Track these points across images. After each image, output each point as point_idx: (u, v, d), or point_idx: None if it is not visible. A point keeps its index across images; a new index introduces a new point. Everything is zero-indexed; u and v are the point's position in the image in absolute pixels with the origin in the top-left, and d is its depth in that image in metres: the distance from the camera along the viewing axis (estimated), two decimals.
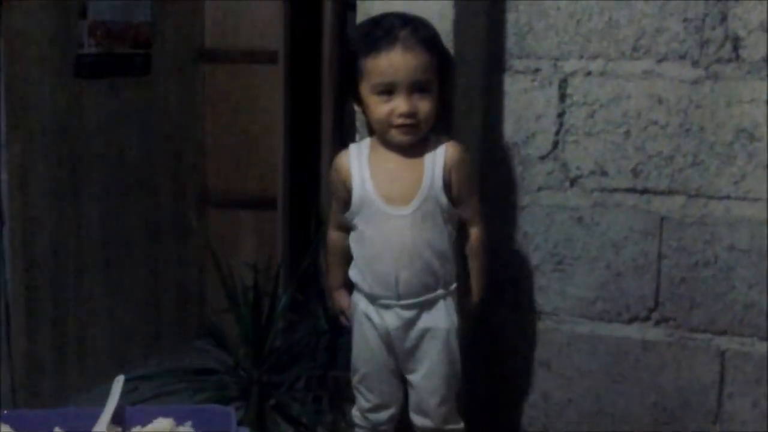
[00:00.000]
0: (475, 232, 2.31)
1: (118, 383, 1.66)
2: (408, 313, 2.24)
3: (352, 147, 2.30)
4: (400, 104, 2.15)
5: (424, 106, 2.16)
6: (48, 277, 3.15)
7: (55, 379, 3.20)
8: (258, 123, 3.65)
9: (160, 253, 3.62)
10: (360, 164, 2.25)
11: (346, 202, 2.27)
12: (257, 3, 3.61)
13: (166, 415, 1.63)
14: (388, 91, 2.16)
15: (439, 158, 2.21)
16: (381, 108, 2.18)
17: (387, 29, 2.17)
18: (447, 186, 2.22)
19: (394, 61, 2.14)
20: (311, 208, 2.97)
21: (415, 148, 2.22)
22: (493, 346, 2.66)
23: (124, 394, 1.65)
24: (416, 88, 2.15)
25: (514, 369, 2.67)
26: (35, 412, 1.78)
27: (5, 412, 1.65)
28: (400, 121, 2.16)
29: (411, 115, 2.16)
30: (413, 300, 2.23)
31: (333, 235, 2.37)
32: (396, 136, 2.20)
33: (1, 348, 3.03)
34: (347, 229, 2.30)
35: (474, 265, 2.33)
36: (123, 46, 3.38)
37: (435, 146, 2.23)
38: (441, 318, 2.26)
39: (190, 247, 3.74)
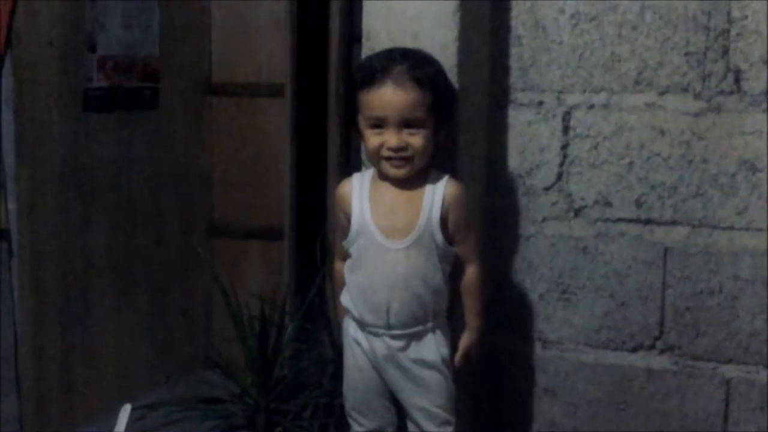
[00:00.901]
0: (471, 271, 2.33)
1: (125, 411, 1.68)
2: (397, 343, 2.26)
3: (355, 177, 2.33)
4: (389, 138, 2.20)
5: (415, 141, 2.19)
6: (56, 306, 3.16)
7: (63, 407, 3.21)
8: (265, 154, 3.67)
9: (167, 282, 3.64)
10: (361, 194, 2.28)
11: (346, 231, 2.30)
12: (264, 37, 3.64)
13: None
14: (378, 125, 2.21)
15: (438, 195, 2.24)
16: (373, 140, 2.22)
17: (382, 65, 2.21)
18: (444, 222, 2.24)
19: (384, 97, 2.18)
20: (317, 237, 2.99)
21: (414, 182, 2.25)
22: (499, 375, 2.67)
23: (132, 422, 1.67)
24: (406, 123, 2.19)
25: (519, 397, 2.69)
26: None
27: None
28: (389, 153, 2.20)
29: (400, 149, 2.19)
30: (402, 331, 2.26)
31: (338, 266, 2.39)
32: (388, 169, 2.24)
33: (9, 376, 3.04)
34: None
35: (469, 303, 2.34)
36: (131, 80, 3.41)
37: (435, 182, 2.26)
38: (430, 350, 2.28)
39: (198, 276, 3.75)
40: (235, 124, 3.73)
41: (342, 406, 2.45)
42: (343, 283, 2.36)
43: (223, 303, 2.89)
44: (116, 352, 3.42)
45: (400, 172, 2.23)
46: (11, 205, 3.02)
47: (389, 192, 2.26)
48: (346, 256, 2.34)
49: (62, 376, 3.20)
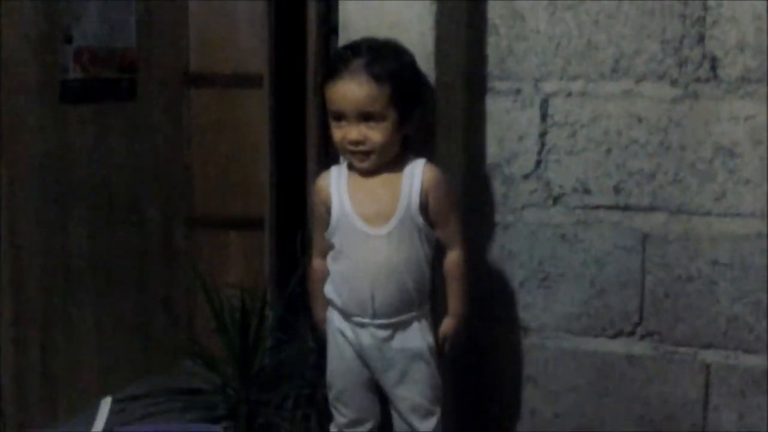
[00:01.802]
0: (454, 254, 2.33)
1: (106, 404, 1.68)
2: (382, 333, 2.26)
3: (333, 169, 2.33)
4: (349, 131, 2.21)
5: (374, 135, 2.20)
6: (37, 301, 3.15)
7: (44, 401, 3.20)
8: (244, 145, 3.67)
9: (147, 274, 3.64)
10: (339, 185, 2.28)
11: (327, 223, 2.30)
12: (241, 27, 3.63)
13: None
14: (338, 117, 2.22)
15: (417, 180, 2.24)
16: (336, 133, 2.24)
17: (343, 58, 2.22)
18: (424, 207, 2.24)
19: (340, 91, 2.20)
20: (298, 228, 2.99)
21: (391, 168, 2.26)
22: (479, 363, 2.68)
23: (112, 414, 1.67)
24: (365, 117, 2.19)
25: (500, 385, 2.70)
26: None
27: None
28: (350, 147, 2.22)
29: (359, 142, 2.20)
30: (387, 320, 2.25)
31: (316, 263, 2.39)
32: (353, 161, 2.25)
33: None
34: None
35: (452, 287, 2.34)
36: (108, 71, 3.40)
37: (412, 167, 2.26)
38: (415, 338, 2.28)
39: (178, 268, 3.75)
40: (214, 115, 3.73)
41: (324, 397, 2.46)
42: (321, 280, 2.36)
43: (204, 294, 2.89)
44: (97, 345, 3.41)
45: (363, 165, 2.24)
46: None
47: (367, 181, 2.27)
48: (325, 250, 2.33)
49: (43, 371, 3.20)
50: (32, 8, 3.06)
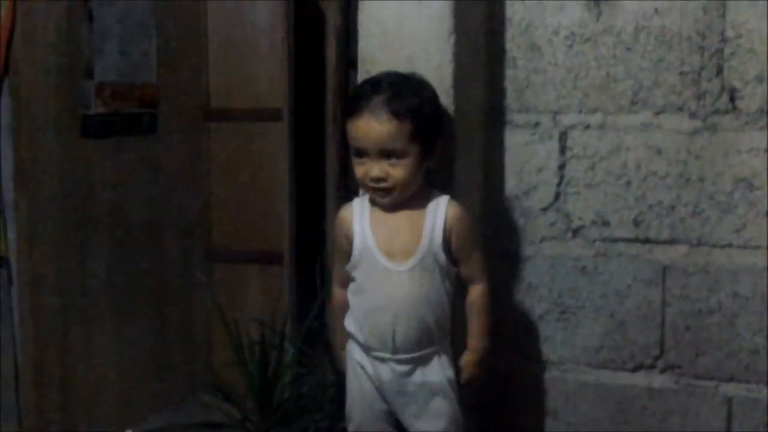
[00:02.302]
0: (477, 290, 2.32)
1: None
2: (402, 368, 2.26)
3: (356, 201, 2.33)
4: (371, 168, 2.20)
5: (396, 172, 2.19)
6: (56, 333, 3.16)
7: None
8: (263, 179, 3.68)
9: (167, 308, 3.64)
10: (362, 218, 2.28)
11: (348, 255, 2.29)
12: (261, 62, 3.66)
13: None
14: (360, 154, 2.21)
15: (440, 217, 2.24)
16: (358, 169, 2.23)
17: (363, 95, 2.21)
18: (447, 243, 2.24)
19: (362, 128, 2.19)
20: (316, 262, 2.99)
21: (415, 203, 2.25)
22: (500, 396, 2.67)
23: None
24: (386, 154, 2.18)
25: (520, 418, 2.68)
26: None
27: None
28: (372, 184, 2.21)
29: (381, 179, 2.20)
30: (408, 355, 2.25)
31: (337, 293, 2.39)
32: (375, 197, 2.25)
33: (10, 402, 3.04)
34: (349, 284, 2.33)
35: (474, 322, 2.34)
36: (129, 106, 3.43)
37: (436, 203, 2.26)
38: (436, 372, 2.27)
39: (197, 301, 3.75)
40: (233, 149, 3.75)
41: (343, 430, 2.44)
42: (341, 310, 2.36)
43: (223, 328, 2.89)
44: (116, 377, 3.41)
45: (385, 201, 2.24)
46: (10, 234, 3.02)
47: (390, 215, 2.26)
48: (345, 281, 2.33)
49: (62, 402, 3.20)
50: (54, 43, 3.09)
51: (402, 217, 2.25)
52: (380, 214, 2.27)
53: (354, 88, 2.31)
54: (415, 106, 2.20)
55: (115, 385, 3.40)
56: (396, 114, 2.17)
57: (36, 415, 3.10)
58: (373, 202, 2.28)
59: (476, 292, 2.32)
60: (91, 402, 3.30)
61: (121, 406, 3.42)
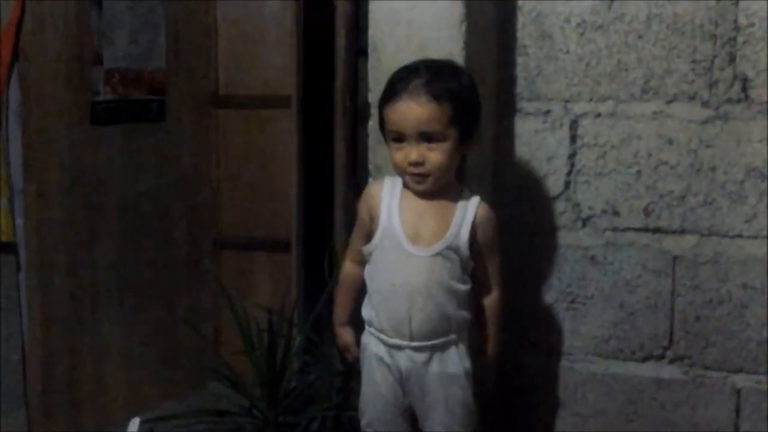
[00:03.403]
0: (492, 296, 2.33)
1: (134, 425, 1.68)
2: (420, 356, 2.24)
3: (386, 180, 2.31)
4: (410, 152, 2.18)
5: (434, 156, 2.18)
6: (64, 320, 3.17)
7: (71, 421, 3.21)
8: (271, 166, 3.68)
9: (175, 295, 3.64)
10: (391, 198, 2.26)
11: (369, 233, 2.29)
12: (269, 49, 3.65)
13: None
14: (399, 138, 2.20)
15: (470, 214, 2.23)
16: (396, 154, 2.21)
17: (402, 79, 2.20)
18: (471, 241, 2.24)
19: (400, 111, 2.17)
20: (325, 249, 2.98)
21: (446, 195, 2.24)
22: (508, 386, 2.66)
23: None
24: (425, 138, 2.17)
25: (529, 408, 2.68)
26: None
27: None
28: (410, 169, 2.20)
29: (419, 163, 2.18)
30: (425, 342, 2.23)
31: (348, 266, 2.39)
32: (411, 183, 2.23)
33: (17, 390, 3.04)
34: (363, 263, 2.32)
35: (489, 327, 2.34)
36: (138, 93, 3.42)
37: (467, 200, 2.25)
38: (453, 363, 2.26)
39: (205, 289, 3.75)
40: (242, 136, 3.74)
41: (350, 420, 2.44)
42: (349, 285, 2.36)
43: (231, 315, 2.89)
44: (124, 365, 3.42)
45: (420, 187, 2.22)
46: (19, 219, 3.03)
47: (420, 202, 2.25)
48: (358, 257, 2.33)
49: (70, 390, 3.20)
50: (63, 30, 3.09)
51: (432, 205, 2.24)
52: (411, 198, 2.25)
53: (393, 73, 2.27)
54: (455, 89, 2.19)
55: (122, 372, 3.41)
56: (436, 96, 2.15)
57: (43, 401, 3.11)
58: (405, 186, 2.27)
59: (491, 299, 2.33)
60: (98, 389, 3.31)
61: (129, 394, 3.43)
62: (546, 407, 2.66)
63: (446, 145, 2.18)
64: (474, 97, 2.25)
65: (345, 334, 2.42)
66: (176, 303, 3.65)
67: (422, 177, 2.20)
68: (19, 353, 3.05)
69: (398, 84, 2.19)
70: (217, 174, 3.79)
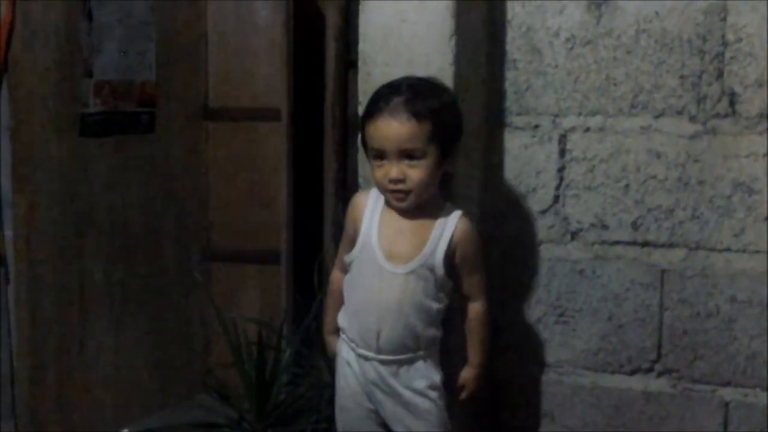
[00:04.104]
0: (475, 308, 2.33)
1: None
2: (386, 369, 2.26)
3: (372, 191, 2.32)
4: (390, 169, 2.20)
5: (415, 174, 2.19)
6: (53, 332, 3.16)
7: None
8: (261, 179, 3.68)
9: (164, 308, 3.64)
10: (373, 211, 2.29)
11: (352, 242, 2.30)
12: (260, 62, 3.66)
13: None
14: (380, 156, 2.21)
15: (449, 229, 2.25)
16: (377, 172, 2.23)
17: (383, 96, 2.22)
18: (449, 258, 2.25)
19: (381, 129, 2.19)
20: (314, 262, 2.99)
21: (426, 211, 2.26)
22: (497, 398, 2.67)
23: None
24: (405, 155, 2.18)
25: (517, 421, 2.68)
26: None
27: None
28: (391, 186, 2.21)
29: (399, 181, 2.19)
30: (392, 357, 2.25)
31: (336, 276, 2.40)
32: (392, 200, 2.25)
33: (6, 402, 3.03)
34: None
35: (473, 339, 2.35)
36: (128, 105, 3.42)
37: (447, 216, 2.26)
38: (420, 376, 2.27)
39: (194, 301, 3.75)
40: (232, 149, 3.74)
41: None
42: (338, 293, 2.37)
43: (221, 328, 2.89)
44: (113, 377, 3.41)
45: (402, 205, 2.24)
46: (8, 231, 3.02)
47: (399, 219, 2.26)
48: (345, 267, 2.34)
49: (59, 402, 3.19)
50: (53, 41, 3.08)
51: (411, 222, 2.25)
52: (391, 214, 2.27)
53: (376, 90, 2.29)
54: (435, 107, 2.21)
55: (112, 385, 3.40)
56: (416, 114, 2.17)
57: (32, 414, 3.10)
58: (388, 202, 2.27)
59: (475, 311, 2.33)
60: (87, 402, 3.30)
61: (118, 406, 3.42)
62: (534, 419, 2.67)
63: (427, 163, 2.19)
64: (455, 115, 2.28)
65: (334, 344, 2.42)
66: (165, 315, 3.64)
67: (403, 194, 2.21)
68: (8, 366, 3.04)
69: (379, 102, 2.20)
70: (206, 186, 3.78)
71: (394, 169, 2.19)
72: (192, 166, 3.74)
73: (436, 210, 2.26)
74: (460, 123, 2.30)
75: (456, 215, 2.26)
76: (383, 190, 2.24)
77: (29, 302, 3.07)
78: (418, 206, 2.24)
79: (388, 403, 2.28)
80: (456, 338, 2.35)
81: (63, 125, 3.15)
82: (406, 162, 2.19)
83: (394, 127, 2.17)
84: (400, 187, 2.20)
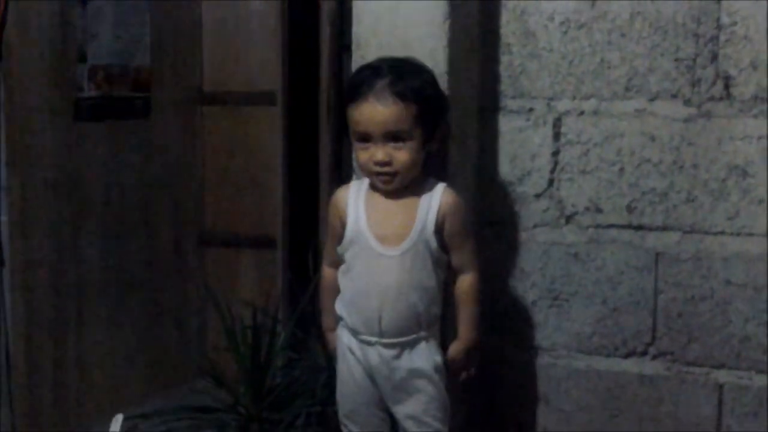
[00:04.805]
0: (467, 279, 2.32)
1: (117, 422, 1.67)
2: (389, 352, 2.26)
3: (353, 183, 2.33)
4: (375, 152, 2.20)
5: (401, 155, 2.19)
6: (48, 316, 3.16)
7: (55, 418, 3.20)
8: (257, 163, 3.68)
9: (159, 292, 3.64)
10: (357, 200, 2.28)
11: (340, 237, 2.30)
12: (255, 46, 3.65)
13: None
14: (364, 139, 2.21)
15: (434, 203, 2.24)
16: (361, 155, 2.23)
17: (366, 79, 2.21)
18: (439, 231, 2.24)
19: (365, 112, 2.19)
20: (310, 246, 2.99)
21: (410, 190, 2.25)
22: (491, 382, 2.67)
23: None
24: (391, 137, 2.18)
25: (512, 404, 2.69)
26: None
27: None
28: (377, 169, 2.21)
29: (385, 163, 2.19)
30: (395, 339, 2.25)
31: (327, 272, 2.40)
32: (378, 183, 2.25)
33: (1, 387, 3.03)
34: (340, 265, 2.33)
35: (464, 312, 2.33)
36: (122, 90, 3.41)
37: (431, 190, 2.26)
38: (423, 358, 2.27)
39: (190, 286, 3.75)
40: (227, 133, 3.74)
41: (335, 415, 2.45)
42: (331, 289, 2.36)
43: (216, 312, 2.89)
44: (109, 361, 3.41)
45: (388, 187, 2.24)
46: (2, 216, 3.02)
47: (385, 200, 2.26)
48: (336, 261, 2.34)
49: (55, 387, 3.20)
50: (47, 26, 3.08)
51: (397, 203, 2.25)
52: (376, 198, 2.27)
53: (354, 73, 2.29)
54: (419, 88, 2.20)
55: (107, 369, 3.40)
56: (401, 96, 2.17)
57: (28, 398, 3.10)
58: (372, 187, 2.27)
59: (466, 282, 2.32)
60: (82, 385, 3.30)
61: (114, 391, 3.42)
62: (528, 403, 2.67)
63: (412, 144, 2.19)
64: (437, 94, 2.28)
65: (335, 340, 2.42)
66: (161, 300, 3.65)
67: (390, 176, 2.21)
68: (3, 350, 3.04)
69: (362, 85, 2.20)
70: (201, 171, 3.78)
71: (379, 152, 2.19)
72: (187, 150, 3.74)
73: (420, 187, 2.26)
74: (443, 102, 2.31)
75: (440, 188, 2.26)
76: (368, 173, 2.24)
77: (24, 286, 3.07)
78: (403, 187, 2.24)
79: (390, 386, 2.28)
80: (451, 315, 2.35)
81: (57, 110, 3.15)
82: (392, 144, 2.19)
83: (379, 111, 2.17)
84: (386, 169, 2.20)
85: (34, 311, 3.11)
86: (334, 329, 2.40)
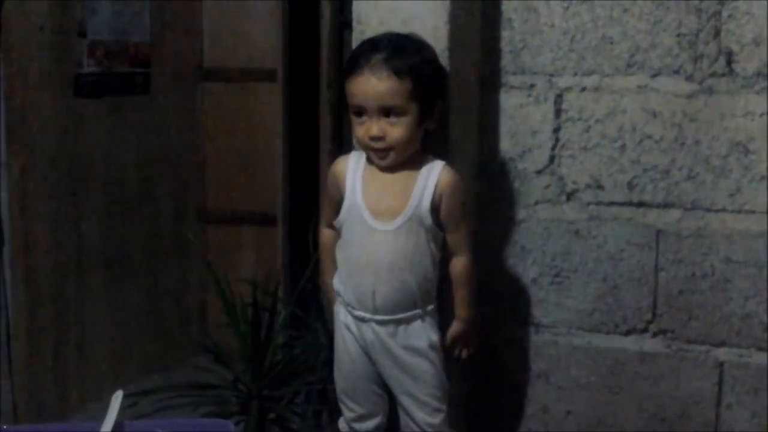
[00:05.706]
0: (460, 261, 2.31)
1: (117, 398, 1.67)
2: (384, 329, 2.25)
3: (353, 154, 2.32)
4: (370, 127, 2.19)
5: (395, 131, 2.18)
6: (49, 294, 3.16)
7: (56, 395, 3.21)
8: (257, 140, 3.67)
9: (160, 269, 3.64)
10: (355, 173, 2.28)
11: (337, 206, 2.29)
12: (255, 22, 3.63)
13: (165, 429, 1.64)
14: (360, 113, 2.21)
15: (432, 180, 2.23)
16: (357, 129, 2.23)
17: (363, 52, 2.21)
18: (435, 209, 2.23)
19: (361, 86, 2.18)
20: (310, 223, 2.98)
21: (409, 165, 2.24)
22: (492, 359, 2.67)
23: (124, 409, 1.66)
24: (385, 112, 2.18)
25: (512, 381, 2.68)
26: (36, 427, 1.80)
27: (5, 427, 1.66)
28: (372, 144, 2.20)
29: (379, 138, 2.19)
30: (389, 316, 2.24)
31: (324, 232, 2.40)
32: (373, 158, 2.24)
33: (2, 365, 3.04)
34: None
35: (459, 292, 2.33)
36: (122, 66, 3.41)
37: (430, 167, 2.25)
38: (418, 336, 2.27)
39: (190, 263, 3.75)
40: (227, 109, 3.73)
41: (335, 393, 2.45)
42: (329, 250, 2.36)
43: (216, 289, 2.89)
44: (109, 339, 3.42)
45: (383, 162, 2.23)
46: (2, 193, 3.01)
47: (383, 175, 2.25)
48: (331, 221, 2.33)
49: (55, 364, 3.20)
50: (46, 2, 3.06)
51: (394, 178, 2.25)
52: (374, 172, 2.26)
53: (355, 47, 2.28)
54: (415, 64, 2.19)
55: (107, 346, 3.41)
56: (396, 71, 2.16)
57: (28, 374, 3.11)
58: (369, 160, 2.27)
59: (459, 265, 2.31)
60: (83, 363, 3.31)
61: (114, 367, 3.43)
62: (529, 380, 2.67)
63: (407, 120, 2.18)
64: (436, 72, 2.27)
65: (333, 292, 2.41)
66: (161, 277, 3.65)
67: (384, 152, 2.21)
68: (5, 327, 3.04)
69: (360, 58, 2.19)
70: (202, 147, 3.78)
71: (374, 127, 2.18)
72: (187, 127, 3.73)
73: (419, 163, 2.25)
74: (442, 80, 2.30)
75: (439, 165, 2.25)
76: (364, 147, 2.24)
77: (25, 263, 3.07)
78: (401, 162, 2.23)
79: (386, 364, 2.28)
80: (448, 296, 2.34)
81: (57, 86, 3.14)
82: (386, 119, 2.18)
83: (373, 84, 2.16)
84: (380, 144, 2.19)
85: (35, 289, 3.11)
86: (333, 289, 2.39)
